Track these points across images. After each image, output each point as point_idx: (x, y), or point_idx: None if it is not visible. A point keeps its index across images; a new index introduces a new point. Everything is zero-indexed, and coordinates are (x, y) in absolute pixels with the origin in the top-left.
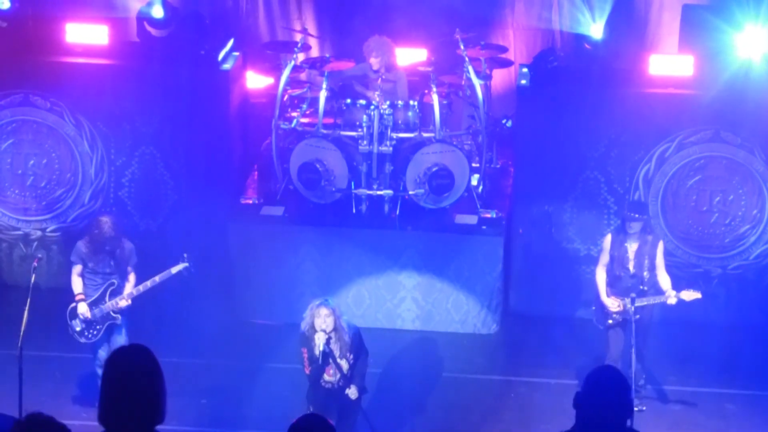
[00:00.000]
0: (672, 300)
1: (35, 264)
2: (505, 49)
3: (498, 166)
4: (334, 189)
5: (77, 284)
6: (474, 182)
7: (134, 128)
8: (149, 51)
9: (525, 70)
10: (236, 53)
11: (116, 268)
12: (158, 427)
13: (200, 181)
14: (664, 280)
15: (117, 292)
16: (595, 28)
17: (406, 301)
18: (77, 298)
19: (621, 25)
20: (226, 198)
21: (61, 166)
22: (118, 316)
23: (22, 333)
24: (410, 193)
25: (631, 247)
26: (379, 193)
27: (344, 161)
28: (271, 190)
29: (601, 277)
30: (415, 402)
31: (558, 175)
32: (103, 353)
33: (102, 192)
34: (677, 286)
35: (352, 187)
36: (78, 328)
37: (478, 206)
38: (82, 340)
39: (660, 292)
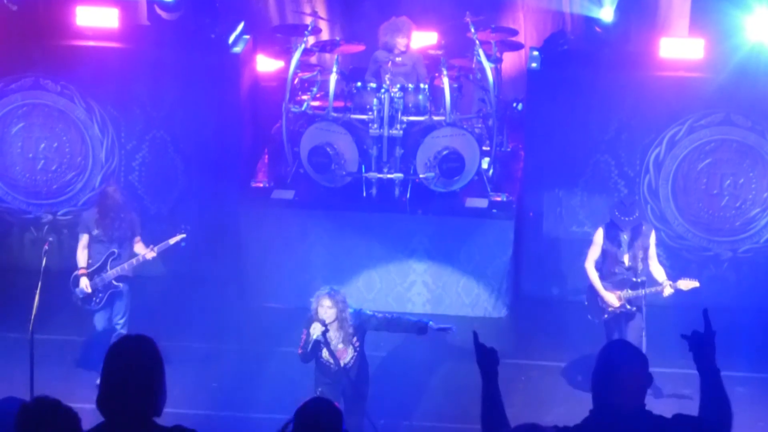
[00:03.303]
0: (668, 290)
1: (46, 247)
2: (515, 32)
3: (508, 149)
4: (344, 173)
5: (82, 257)
6: (484, 166)
7: (145, 112)
8: (159, 34)
9: (535, 53)
10: (246, 36)
11: (120, 237)
12: (170, 410)
13: (210, 165)
14: (658, 270)
15: (118, 261)
16: (605, 12)
17: (417, 285)
18: (80, 272)
19: (631, 8)
20: (237, 182)
21: (71, 150)
22: (120, 284)
23: (33, 317)
24: (420, 176)
25: (625, 239)
26: (389, 176)
27: (354, 145)
28: (282, 174)
29: (592, 272)
30: (424, 385)
31: (568, 158)
32: (100, 321)
33: (112, 176)
34: (687, 270)
35: (363, 170)
36: (81, 296)
37: (489, 190)
38: (86, 307)
39: (655, 282)
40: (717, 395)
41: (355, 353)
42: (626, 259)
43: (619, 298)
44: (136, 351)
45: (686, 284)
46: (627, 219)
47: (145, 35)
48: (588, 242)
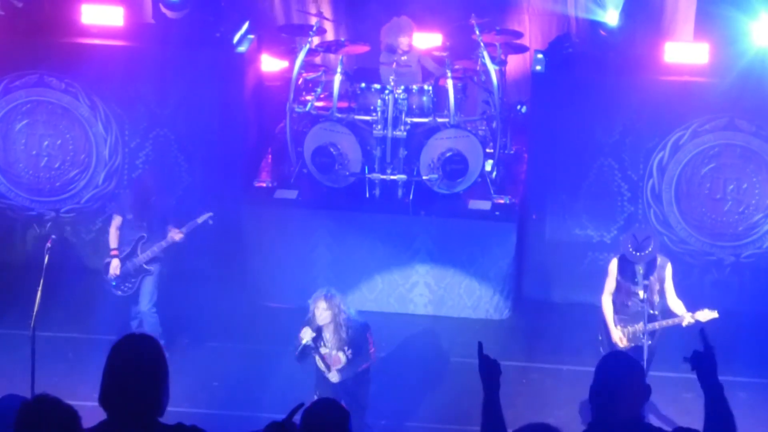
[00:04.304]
0: (688, 321)
1: (49, 245)
2: (520, 35)
3: (512, 152)
4: (347, 173)
5: (114, 238)
6: (488, 168)
7: (149, 110)
8: (164, 33)
9: (540, 56)
10: (251, 36)
11: (151, 221)
12: (171, 408)
13: (214, 164)
14: (676, 304)
15: (148, 244)
16: (610, 15)
17: (419, 286)
18: (112, 253)
19: (636, 12)
20: (240, 181)
21: (75, 147)
22: (152, 267)
23: (34, 313)
24: (424, 178)
25: (640, 272)
26: (392, 177)
27: (358, 145)
28: (285, 174)
29: (607, 307)
30: (426, 387)
31: (572, 161)
32: (136, 306)
33: (116, 173)
34: (690, 274)
35: (366, 171)
36: (113, 282)
37: (492, 192)
38: (118, 293)
39: (672, 314)
40: (721, 411)
41: (348, 363)
42: (641, 293)
43: (626, 337)
44: (139, 350)
45: (705, 315)
46: (640, 254)
47: (150, 34)
48: (590, 245)
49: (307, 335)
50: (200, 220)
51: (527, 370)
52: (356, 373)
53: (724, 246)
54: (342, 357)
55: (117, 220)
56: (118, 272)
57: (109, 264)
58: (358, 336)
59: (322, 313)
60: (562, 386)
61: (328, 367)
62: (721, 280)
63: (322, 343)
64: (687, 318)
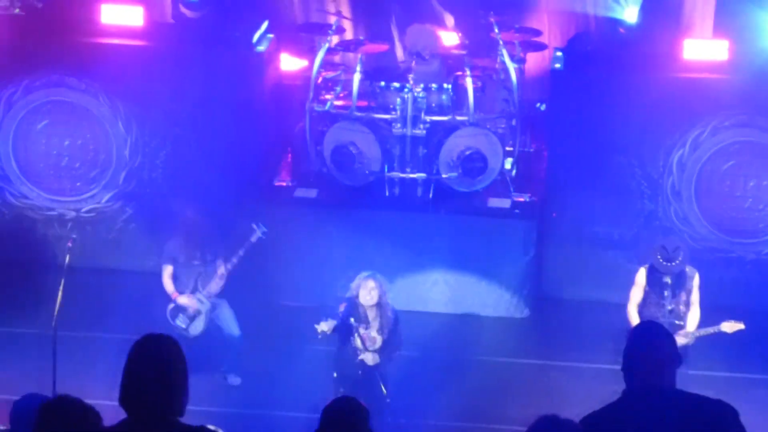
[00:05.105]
0: (712, 331)
1: (69, 244)
2: (539, 33)
3: (531, 150)
4: (367, 172)
5: (170, 284)
6: (507, 166)
7: (169, 110)
8: (184, 33)
9: (559, 54)
10: (270, 35)
11: (204, 258)
12: (191, 407)
13: (234, 164)
14: (693, 317)
15: (207, 278)
16: (629, 13)
17: (439, 284)
18: (173, 296)
19: (655, 8)
20: (260, 180)
21: (95, 147)
22: (219, 298)
23: (56, 313)
24: (443, 176)
25: (668, 283)
26: (412, 176)
27: (377, 144)
28: (305, 173)
29: (634, 316)
30: (445, 385)
31: (591, 159)
32: (222, 337)
33: (136, 173)
34: (710, 272)
35: (386, 170)
36: (183, 326)
37: (512, 190)
38: (191, 335)
39: (702, 325)
40: None
41: (383, 345)
42: (669, 307)
43: None
44: (158, 350)
45: (731, 326)
46: (670, 265)
47: (170, 33)
48: (610, 243)
49: (324, 327)
50: (254, 239)
51: (547, 368)
52: (388, 359)
53: (745, 243)
54: (378, 339)
55: (168, 270)
56: (195, 304)
57: (176, 308)
58: (394, 320)
59: (370, 292)
60: (581, 384)
61: (365, 347)
62: (742, 277)
63: (361, 325)
64: (712, 329)
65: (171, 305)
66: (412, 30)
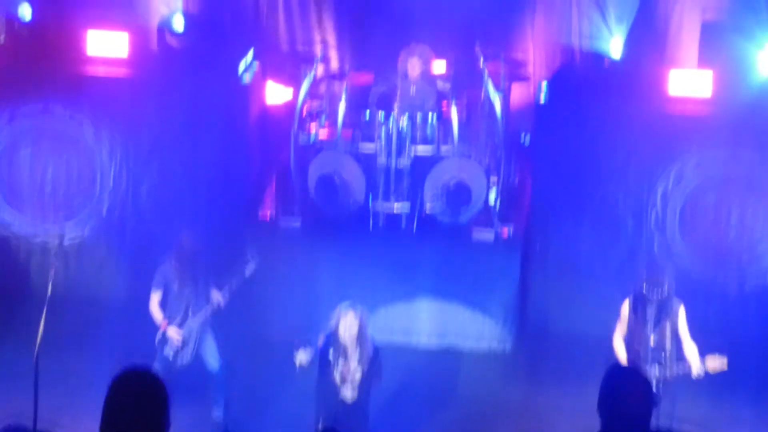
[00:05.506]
0: (696, 371)
1: (52, 273)
2: (524, 64)
3: (516, 180)
4: (351, 202)
5: (157, 312)
6: (492, 197)
7: (153, 138)
8: (169, 62)
9: (544, 85)
10: (256, 63)
11: (196, 284)
12: None
13: (218, 192)
14: (690, 348)
15: (197, 308)
16: (614, 45)
17: (422, 316)
18: (162, 326)
19: (640, 43)
20: (244, 209)
21: (79, 175)
22: (206, 330)
23: (38, 343)
24: (427, 206)
25: (652, 315)
26: (396, 206)
27: (362, 174)
28: (289, 202)
29: (620, 348)
30: (429, 416)
31: (576, 190)
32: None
33: (120, 202)
34: (694, 304)
35: (370, 200)
36: (170, 356)
37: (496, 221)
38: (177, 364)
39: (682, 361)
40: None
41: (363, 378)
42: (652, 338)
43: None
44: (140, 386)
45: (714, 364)
46: (654, 296)
47: (155, 62)
48: (594, 275)
49: (302, 357)
50: (248, 272)
51: (531, 400)
52: (366, 393)
53: (729, 276)
54: (358, 373)
55: (158, 295)
56: (179, 337)
57: (164, 337)
58: (374, 354)
59: (350, 323)
60: (565, 416)
61: (344, 381)
62: (725, 309)
63: (340, 358)
64: (696, 367)
65: (159, 334)
66: (406, 51)
